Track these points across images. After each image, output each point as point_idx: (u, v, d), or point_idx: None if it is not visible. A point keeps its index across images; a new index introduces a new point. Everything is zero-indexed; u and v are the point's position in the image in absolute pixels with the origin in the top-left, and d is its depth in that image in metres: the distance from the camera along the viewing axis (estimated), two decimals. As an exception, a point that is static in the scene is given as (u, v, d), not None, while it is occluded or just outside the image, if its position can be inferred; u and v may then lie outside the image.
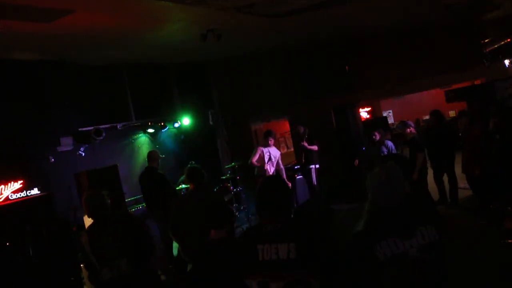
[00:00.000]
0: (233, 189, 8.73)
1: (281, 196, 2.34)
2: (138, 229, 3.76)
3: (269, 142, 8.27)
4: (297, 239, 2.16)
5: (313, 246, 2.14)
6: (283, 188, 2.39)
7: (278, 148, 9.22)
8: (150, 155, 6.95)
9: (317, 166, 8.95)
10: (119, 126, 8.61)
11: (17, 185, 6.33)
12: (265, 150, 8.18)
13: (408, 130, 7.43)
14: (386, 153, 7.69)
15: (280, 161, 8.37)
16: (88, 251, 3.51)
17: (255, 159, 8.12)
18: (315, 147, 8.93)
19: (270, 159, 8.16)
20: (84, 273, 6.11)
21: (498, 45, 7.69)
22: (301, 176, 9.34)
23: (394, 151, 7.86)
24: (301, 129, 9.13)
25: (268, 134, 8.39)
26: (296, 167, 9.93)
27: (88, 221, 6.78)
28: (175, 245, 4.77)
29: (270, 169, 8.16)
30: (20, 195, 6.27)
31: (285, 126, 11.76)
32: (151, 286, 3.71)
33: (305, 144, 8.85)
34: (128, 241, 3.55)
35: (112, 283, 3.45)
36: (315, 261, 2.10)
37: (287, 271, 2.13)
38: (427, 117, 11.45)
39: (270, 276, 2.16)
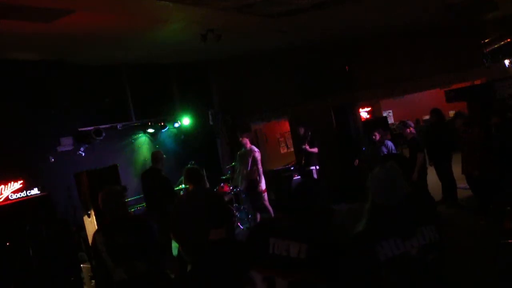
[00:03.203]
0: (233, 189, 8.73)
1: (311, 201, 2.34)
2: (151, 229, 3.69)
3: (242, 141, 8.19)
4: (310, 241, 2.16)
5: (325, 251, 2.14)
6: (318, 193, 2.40)
7: (277, 147, 9.18)
8: (154, 156, 6.79)
9: (317, 167, 8.97)
10: (119, 126, 8.61)
11: (17, 185, 6.32)
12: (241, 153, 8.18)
13: (408, 130, 7.45)
14: (386, 153, 7.69)
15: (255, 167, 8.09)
16: (102, 250, 3.38)
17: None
18: (315, 149, 8.94)
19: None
20: (85, 273, 6.12)
21: (498, 45, 7.71)
22: (298, 177, 9.34)
23: (394, 151, 7.86)
24: (302, 131, 9.11)
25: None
26: (292, 168, 9.88)
27: (88, 221, 6.81)
28: (174, 245, 4.77)
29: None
30: (20, 195, 6.27)
31: (285, 126, 11.76)
32: (165, 286, 3.64)
33: (307, 147, 8.85)
34: (144, 241, 3.49)
35: (128, 284, 3.37)
36: (325, 266, 2.10)
37: (294, 270, 2.13)
38: (427, 117, 11.45)
39: (276, 271, 2.16)
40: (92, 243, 3.52)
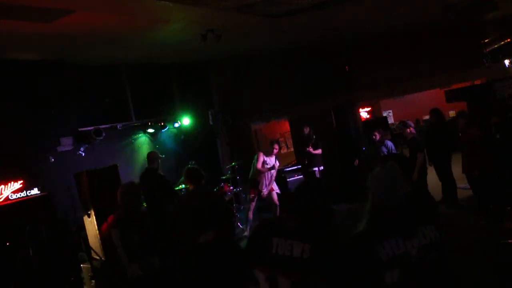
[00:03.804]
0: (233, 189, 8.73)
1: (312, 201, 2.35)
2: (160, 227, 3.70)
3: (274, 150, 8.08)
4: (313, 241, 2.16)
5: (328, 252, 2.15)
6: (319, 193, 2.41)
7: (279, 150, 9.16)
8: (150, 156, 6.85)
9: (321, 168, 8.96)
10: (119, 126, 8.62)
11: (17, 185, 6.32)
12: (266, 158, 8.08)
13: (408, 130, 7.45)
14: (386, 153, 7.69)
15: (274, 172, 8.16)
16: (118, 246, 3.37)
17: (259, 164, 8.07)
18: (319, 151, 8.93)
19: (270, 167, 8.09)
20: (85, 273, 6.12)
21: (498, 45, 7.70)
22: (298, 177, 9.31)
23: (394, 151, 7.86)
24: (306, 130, 9.08)
25: (273, 142, 8.31)
26: (288, 169, 9.80)
27: (88, 221, 6.80)
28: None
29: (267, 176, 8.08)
30: (20, 195, 6.26)
31: (285, 126, 11.76)
32: (179, 283, 3.62)
33: (311, 149, 8.84)
34: (158, 237, 3.50)
35: (143, 280, 3.36)
36: (327, 266, 2.10)
37: (297, 269, 2.13)
38: (427, 117, 11.44)
39: (278, 271, 2.17)
40: (106, 238, 3.49)
